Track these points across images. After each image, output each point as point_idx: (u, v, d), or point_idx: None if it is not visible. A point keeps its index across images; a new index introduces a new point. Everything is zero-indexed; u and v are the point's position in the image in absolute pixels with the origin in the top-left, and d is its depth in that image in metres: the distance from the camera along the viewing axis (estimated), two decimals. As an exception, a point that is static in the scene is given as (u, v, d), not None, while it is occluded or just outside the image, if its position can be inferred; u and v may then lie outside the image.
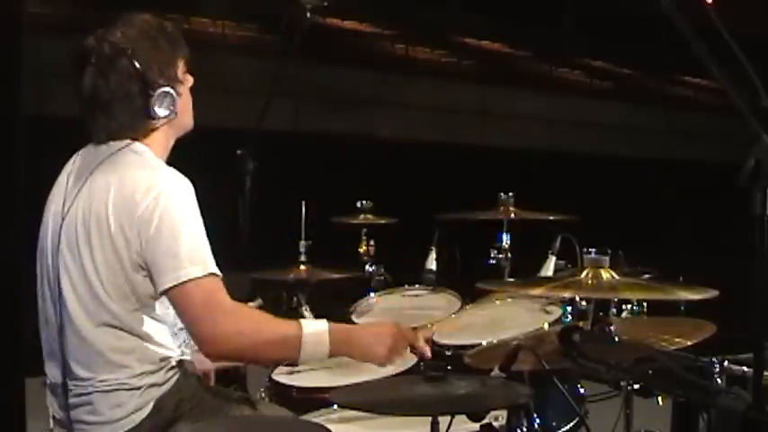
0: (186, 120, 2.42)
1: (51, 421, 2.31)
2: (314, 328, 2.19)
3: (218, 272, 2.18)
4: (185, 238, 2.15)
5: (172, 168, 2.28)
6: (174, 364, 2.30)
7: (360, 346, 2.26)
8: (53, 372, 2.28)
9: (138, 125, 2.30)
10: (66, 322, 2.22)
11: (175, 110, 2.32)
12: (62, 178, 2.35)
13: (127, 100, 2.26)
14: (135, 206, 2.16)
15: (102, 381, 2.21)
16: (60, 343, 2.22)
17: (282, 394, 2.74)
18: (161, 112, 2.29)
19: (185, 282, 2.12)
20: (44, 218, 2.36)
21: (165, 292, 2.15)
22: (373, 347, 2.25)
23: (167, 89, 2.29)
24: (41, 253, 2.33)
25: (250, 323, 2.17)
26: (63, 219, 2.23)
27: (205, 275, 2.14)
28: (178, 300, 2.15)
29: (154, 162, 2.28)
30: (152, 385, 2.24)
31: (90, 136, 2.34)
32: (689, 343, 2.26)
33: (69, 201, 2.25)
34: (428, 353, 2.32)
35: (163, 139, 2.35)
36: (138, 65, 2.24)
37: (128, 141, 2.29)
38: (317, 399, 2.58)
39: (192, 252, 2.14)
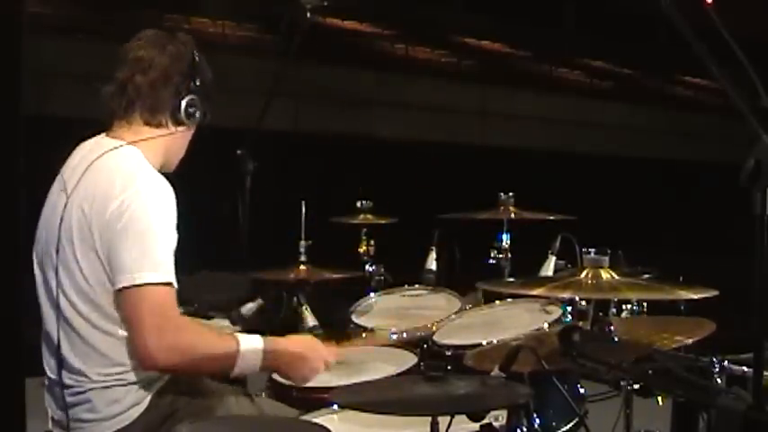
0: (175, 157, 2.45)
1: (50, 422, 2.31)
2: (249, 346, 2.23)
3: (175, 283, 2.18)
4: (149, 241, 2.15)
5: (156, 173, 2.27)
6: None
7: (287, 367, 2.37)
8: (51, 370, 2.28)
9: (155, 119, 2.34)
10: (63, 320, 2.22)
11: (192, 122, 2.39)
12: (62, 175, 2.35)
13: (168, 87, 2.33)
14: (107, 206, 2.17)
15: (98, 377, 2.21)
16: (57, 340, 2.23)
17: (282, 394, 2.74)
18: (185, 115, 2.36)
19: (141, 285, 2.12)
20: (44, 213, 2.36)
21: (119, 291, 2.15)
22: (298, 371, 2.37)
23: (197, 98, 2.37)
24: (41, 249, 2.33)
25: (191, 340, 2.18)
26: (61, 218, 2.23)
27: (161, 283, 2.14)
28: (129, 302, 2.14)
29: (139, 164, 2.28)
30: (149, 380, 2.25)
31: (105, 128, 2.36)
32: (689, 341, 2.26)
33: (64, 200, 2.25)
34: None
35: (157, 151, 2.36)
36: (196, 71, 2.37)
37: (121, 143, 2.30)
38: (316, 399, 2.58)
39: (153, 257, 2.14)
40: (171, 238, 2.20)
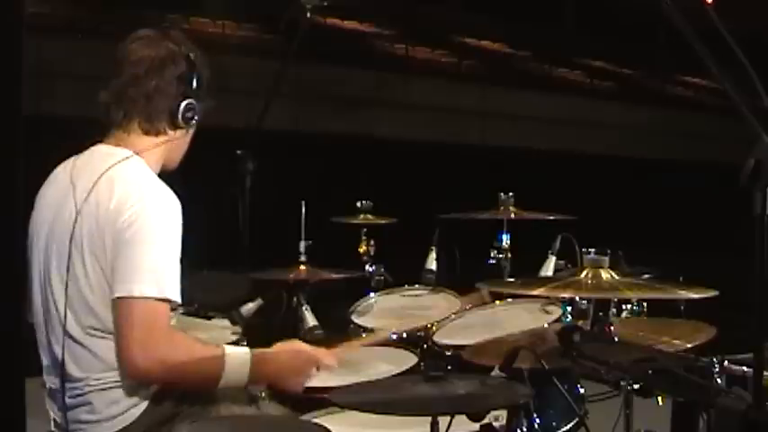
0: (176, 157, 2.45)
1: (52, 424, 2.32)
2: (236, 360, 2.23)
3: (176, 299, 2.18)
4: (153, 254, 2.15)
5: (164, 186, 2.27)
6: None
7: (276, 377, 2.37)
8: (50, 374, 2.29)
9: (154, 127, 2.33)
10: (57, 324, 2.23)
11: (191, 126, 2.37)
12: (60, 182, 2.34)
13: (163, 95, 2.31)
14: (118, 216, 2.17)
15: (97, 379, 2.21)
16: (48, 343, 2.25)
17: (282, 394, 2.74)
18: (182, 120, 2.33)
19: (136, 297, 2.12)
20: (37, 218, 2.35)
21: (115, 300, 2.15)
22: (289, 380, 2.39)
23: (195, 102, 2.35)
24: (42, 251, 2.32)
25: (178, 357, 2.16)
26: (73, 227, 2.22)
27: (157, 298, 2.13)
28: (122, 312, 2.13)
29: (148, 177, 2.28)
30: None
31: (102, 132, 2.35)
32: (688, 345, 2.26)
33: (72, 205, 2.24)
34: (334, 364, 2.47)
35: (158, 157, 2.36)
36: (192, 73, 2.34)
37: (129, 153, 2.30)
38: (316, 399, 2.57)
39: (153, 270, 2.14)
40: (175, 253, 2.20)
